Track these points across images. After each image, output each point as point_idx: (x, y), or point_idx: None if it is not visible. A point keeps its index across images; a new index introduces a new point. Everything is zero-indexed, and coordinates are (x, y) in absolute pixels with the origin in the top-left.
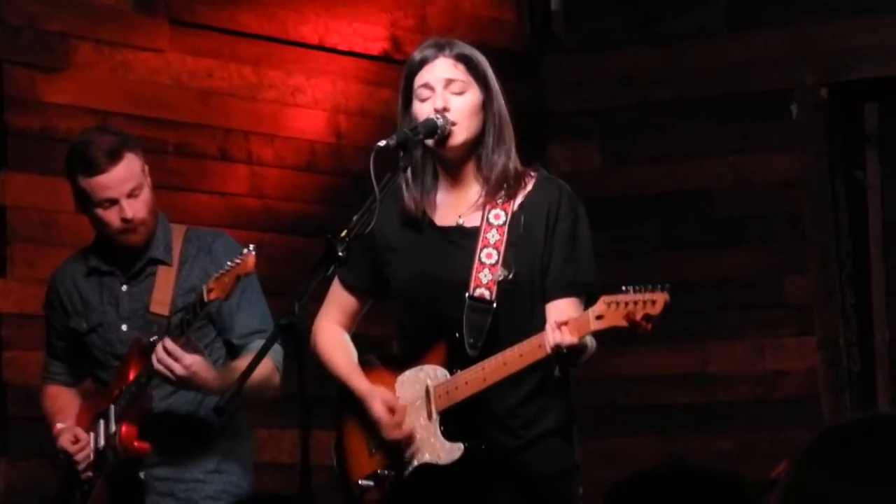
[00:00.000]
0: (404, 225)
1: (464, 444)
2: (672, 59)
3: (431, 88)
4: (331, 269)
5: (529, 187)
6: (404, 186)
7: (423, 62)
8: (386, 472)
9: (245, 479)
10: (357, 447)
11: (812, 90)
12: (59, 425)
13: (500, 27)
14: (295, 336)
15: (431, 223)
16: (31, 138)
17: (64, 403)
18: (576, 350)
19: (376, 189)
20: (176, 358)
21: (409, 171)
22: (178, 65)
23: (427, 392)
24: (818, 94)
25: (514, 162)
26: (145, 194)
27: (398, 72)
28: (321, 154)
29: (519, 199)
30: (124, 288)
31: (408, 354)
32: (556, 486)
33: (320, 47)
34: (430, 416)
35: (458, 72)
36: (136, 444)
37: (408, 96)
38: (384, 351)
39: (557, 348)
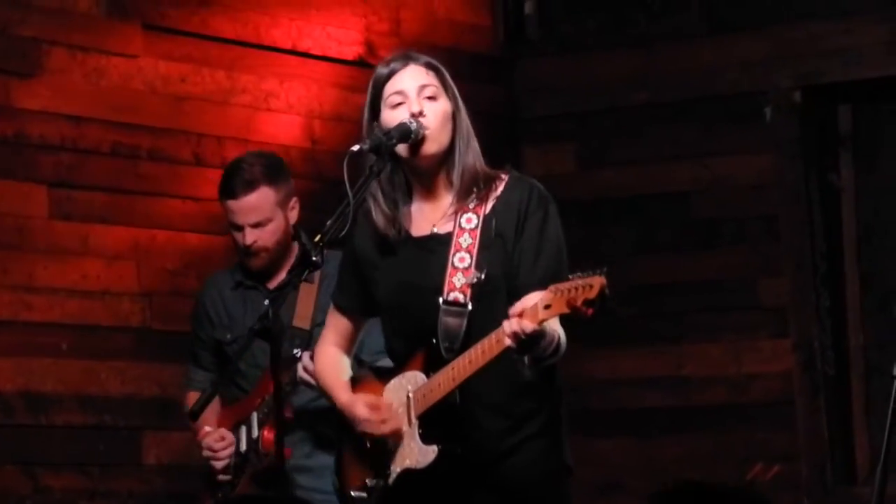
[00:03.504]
0: (383, 241)
1: (437, 447)
2: (646, 62)
3: (405, 95)
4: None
5: (501, 188)
6: (373, 206)
7: (393, 72)
8: (374, 481)
9: None
10: (351, 459)
11: (786, 93)
12: (206, 428)
13: (474, 31)
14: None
15: (408, 235)
16: (4, 144)
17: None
18: (535, 338)
19: (350, 194)
20: None
21: (378, 192)
22: (152, 70)
23: (408, 398)
24: (792, 97)
25: (481, 165)
26: (273, 227)
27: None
28: (295, 159)
29: (491, 202)
30: (267, 302)
31: (394, 365)
32: (543, 489)
33: (294, 52)
34: (410, 422)
35: (431, 78)
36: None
37: (375, 107)
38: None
39: (516, 336)
